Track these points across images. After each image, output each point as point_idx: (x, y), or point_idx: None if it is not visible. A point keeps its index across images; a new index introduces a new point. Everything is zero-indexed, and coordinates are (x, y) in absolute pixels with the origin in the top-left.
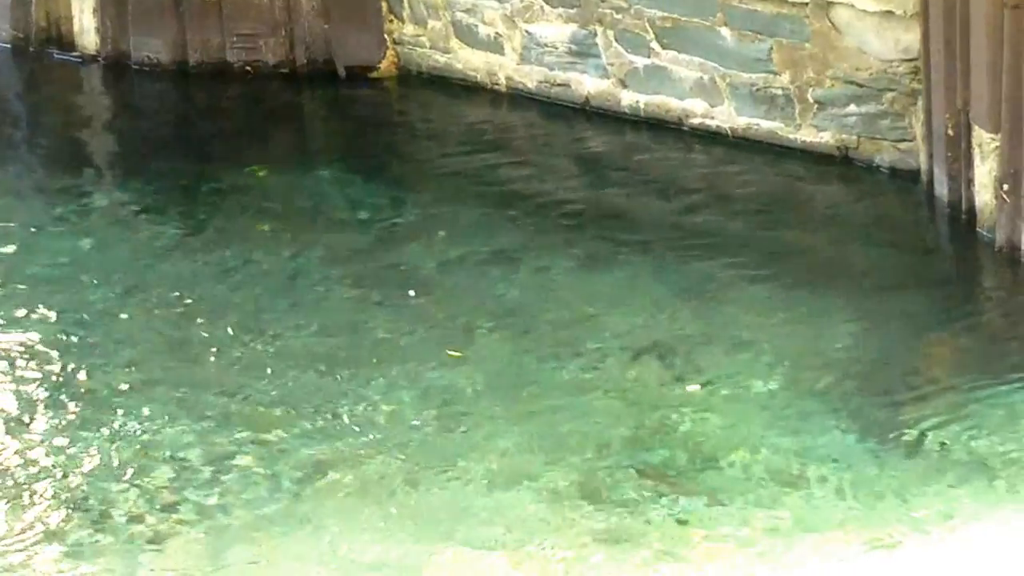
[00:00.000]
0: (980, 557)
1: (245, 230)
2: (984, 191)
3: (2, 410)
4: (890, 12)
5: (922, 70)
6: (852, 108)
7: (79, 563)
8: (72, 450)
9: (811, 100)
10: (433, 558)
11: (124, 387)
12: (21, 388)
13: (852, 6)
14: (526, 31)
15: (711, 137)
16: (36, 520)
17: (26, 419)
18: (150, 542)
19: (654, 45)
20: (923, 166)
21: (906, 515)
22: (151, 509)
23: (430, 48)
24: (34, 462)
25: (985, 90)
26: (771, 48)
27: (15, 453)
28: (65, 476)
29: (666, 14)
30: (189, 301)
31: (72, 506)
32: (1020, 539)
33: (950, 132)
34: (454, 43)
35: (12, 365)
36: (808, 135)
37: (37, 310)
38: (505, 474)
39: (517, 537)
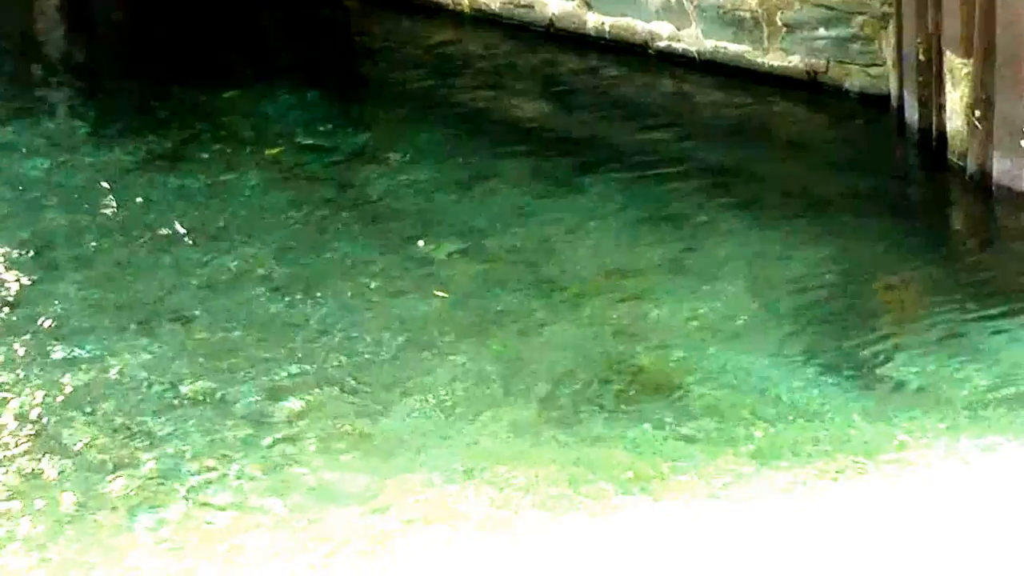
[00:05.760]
0: (937, 484)
1: (203, 152)
2: (955, 117)
3: None
4: None
5: None
6: (821, 31)
7: (38, 488)
8: (27, 376)
9: (780, 23)
10: (392, 487)
11: (79, 312)
12: None
13: None
14: None
15: (678, 60)
16: None
17: None
18: (106, 467)
19: None
20: (893, 92)
21: (864, 444)
22: (106, 435)
23: None
24: None
25: (957, 14)
26: None
27: None
28: (19, 403)
29: None
30: (147, 224)
31: (29, 432)
32: (974, 469)
33: (921, 57)
34: None
35: None
36: (776, 59)
37: None
38: (466, 403)
39: (478, 465)
